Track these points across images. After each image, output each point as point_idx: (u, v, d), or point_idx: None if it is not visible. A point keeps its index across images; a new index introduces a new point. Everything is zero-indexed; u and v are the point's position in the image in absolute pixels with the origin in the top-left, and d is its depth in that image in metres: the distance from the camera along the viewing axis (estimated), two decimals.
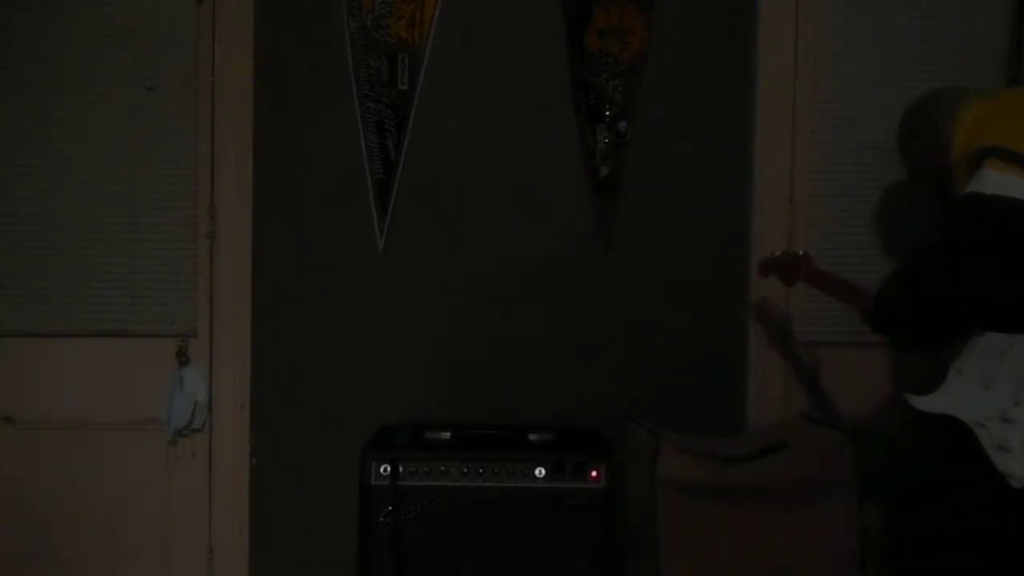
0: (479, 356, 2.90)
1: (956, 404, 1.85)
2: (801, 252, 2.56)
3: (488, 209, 2.89)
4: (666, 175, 2.89)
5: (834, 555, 2.40)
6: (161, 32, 2.85)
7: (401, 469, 2.46)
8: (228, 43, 2.86)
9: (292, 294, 2.90)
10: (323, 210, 2.90)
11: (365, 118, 2.87)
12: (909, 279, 1.89)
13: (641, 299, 2.90)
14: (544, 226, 2.89)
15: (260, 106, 2.87)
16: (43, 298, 2.86)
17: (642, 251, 2.90)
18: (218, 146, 2.87)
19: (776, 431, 2.60)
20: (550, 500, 2.47)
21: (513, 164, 2.87)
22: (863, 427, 2.52)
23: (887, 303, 1.92)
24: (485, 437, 2.64)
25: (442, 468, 2.48)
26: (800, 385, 2.88)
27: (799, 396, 2.87)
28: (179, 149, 2.86)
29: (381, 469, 2.47)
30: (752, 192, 2.90)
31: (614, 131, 2.88)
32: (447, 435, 2.65)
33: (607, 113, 2.88)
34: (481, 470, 2.48)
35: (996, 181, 1.80)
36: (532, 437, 2.64)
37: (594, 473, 2.48)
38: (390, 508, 2.45)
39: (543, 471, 2.48)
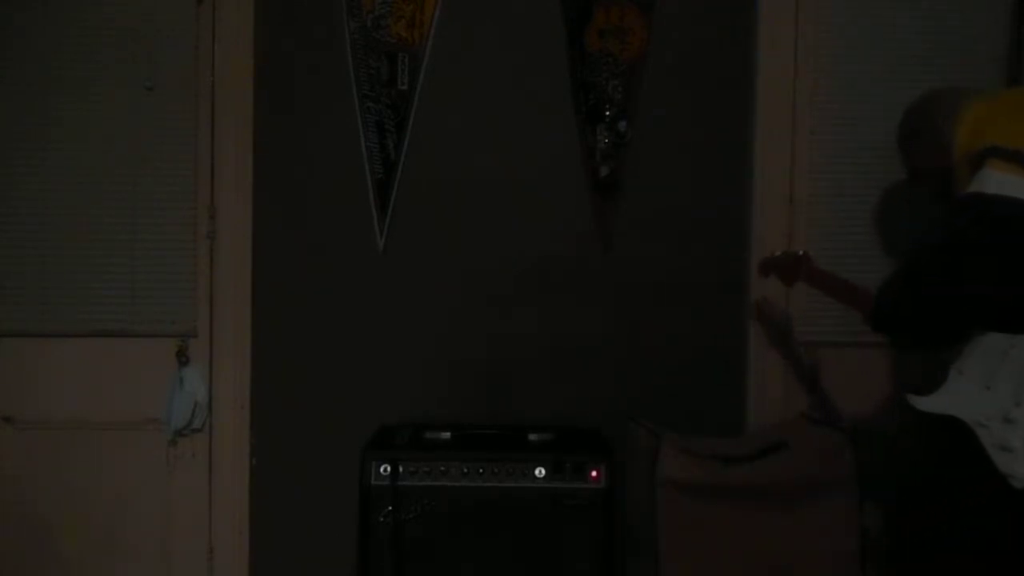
0: (479, 356, 2.90)
1: (957, 404, 1.85)
2: (801, 252, 2.56)
3: (488, 209, 2.89)
4: (666, 175, 2.89)
5: (834, 555, 2.40)
6: (161, 32, 2.85)
7: (401, 469, 2.46)
8: (228, 43, 2.86)
9: (292, 294, 2.90)
10: (323, 210, 2.89)
11: (365, 118, 2.87)
12: (910, 279, 1.88)
13: (641, 299, 2.90)
14: (544, 226, 2.89)
15: (260, 106, 2.87)
16: (43, 298, 2.86)
17: (642, 251, 2.89)
18: (218, 146, 2.87)
19: (776, 431, 2.60)
20: (550, 500, 2.47)
21: (513, 164, 2.87)
22: (863, 427, 2.51)
23: (888, 303, 1.92)
24: (485, 437, 2.64)
25: (442, 468, 2.48)
26: (800, 385, 2.88)
27: (799, 396, 2.87)
28: (179, 149, 2.86)
29: (381, 469, 2.47)
30: (752, 192, 2.90)
31: (614, 131, 2.88)
32: (447, 435, 2.65)
33: (607, 113, 2.88)
34: (481, 470, 2.48)
35: (997, 181, 1.80)
36: (532, 437, 2.64)
37: (594, 473, 2.48)
38: (390, 508, 2.45)
39: (543, 471, 2.48)
